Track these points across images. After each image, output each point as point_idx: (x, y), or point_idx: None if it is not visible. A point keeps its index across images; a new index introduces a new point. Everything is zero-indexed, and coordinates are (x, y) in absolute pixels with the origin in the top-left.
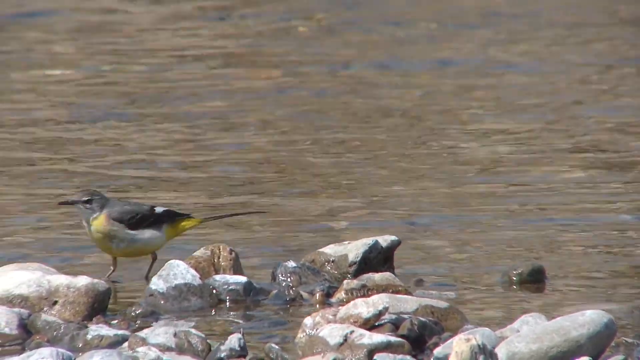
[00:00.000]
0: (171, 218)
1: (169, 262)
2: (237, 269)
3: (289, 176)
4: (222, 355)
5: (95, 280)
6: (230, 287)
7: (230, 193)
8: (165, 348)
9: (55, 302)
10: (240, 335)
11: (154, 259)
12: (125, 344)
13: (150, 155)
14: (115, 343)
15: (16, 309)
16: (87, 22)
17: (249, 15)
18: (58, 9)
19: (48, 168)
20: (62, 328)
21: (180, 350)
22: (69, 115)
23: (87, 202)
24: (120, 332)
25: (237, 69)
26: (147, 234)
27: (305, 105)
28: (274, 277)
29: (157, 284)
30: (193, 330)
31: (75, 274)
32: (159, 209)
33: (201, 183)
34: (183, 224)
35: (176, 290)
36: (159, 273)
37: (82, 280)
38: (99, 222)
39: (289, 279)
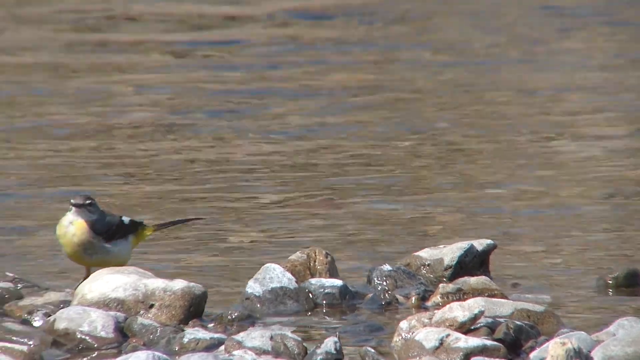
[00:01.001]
0: (135, 227)
1: (264, 265)
2: (332, 273)
3: (385, 178)
4: (318, 358)
5: (192, 284)
6: (326, 291)
7: (323, 193)
8: (261, 351)
9: (152, 306)
10: (336, 339)
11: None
12: (222, 347)
13: (250, 158)
14: (212, 346)
15: (112, 313)
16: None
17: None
18: None
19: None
20: (158, 331)
21: (276, 353)
22: (168, 120)
23: (90, 205)
24: (216, 335)
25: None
26: (120, 245)
27: (402, 104)
28: (369, 281)
29: (253, 287)
30: (289, 334)
31: (171, 277)
32: (125, 219)
33: (299, 182)
34: (141, 236)
35: (272, 293)
36: (255, 277)
37: (179, 284)
38: (81, 226)
39: (384, 283)
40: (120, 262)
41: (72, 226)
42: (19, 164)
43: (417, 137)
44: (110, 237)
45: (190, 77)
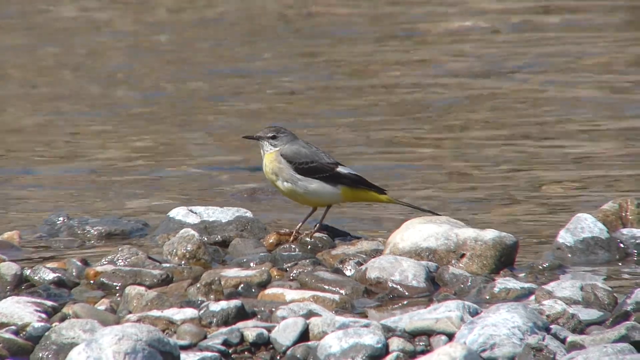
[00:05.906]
0: (352, 182)
1: (576, 215)
2: None
3: None
4: (628, 308)
5: (503, 234)
6: (637, 241)
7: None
8: (571, 301)
9: (463, 255)
10: None
11: (328, 206)
12: (532, 297)
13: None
14: (522, 296)
15: (423, 262)
16: None
17: None
18: None
19: None
20: (469, 281)
21: (586, 303)
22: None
23: (272, 138)
24: (527, 285)
25: None
26: (314, 184)
27: None
28: None
29: (564, 237)
30: (600, 284)
31: (481, 227)
32: (343, 169)
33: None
34: (363, 193)
35: (583, 243)
36: (566, 227)
37: (490, 234)
38: (270, 155)
39: None
40: (314, 202)
41: (265, 158)
42: None
43: None
44: (305, 172)
45: None
